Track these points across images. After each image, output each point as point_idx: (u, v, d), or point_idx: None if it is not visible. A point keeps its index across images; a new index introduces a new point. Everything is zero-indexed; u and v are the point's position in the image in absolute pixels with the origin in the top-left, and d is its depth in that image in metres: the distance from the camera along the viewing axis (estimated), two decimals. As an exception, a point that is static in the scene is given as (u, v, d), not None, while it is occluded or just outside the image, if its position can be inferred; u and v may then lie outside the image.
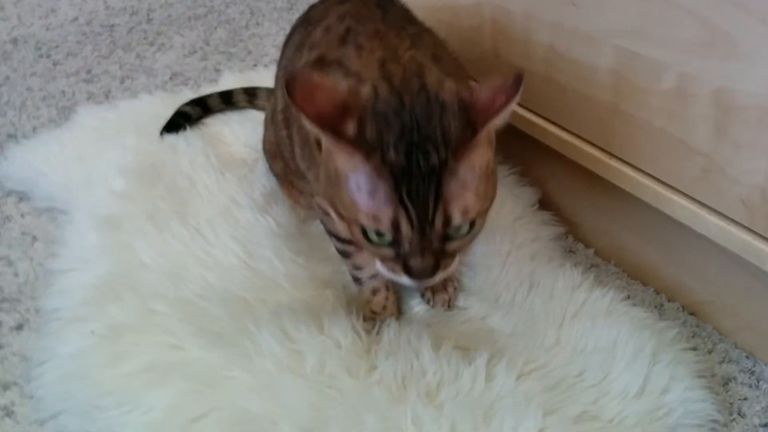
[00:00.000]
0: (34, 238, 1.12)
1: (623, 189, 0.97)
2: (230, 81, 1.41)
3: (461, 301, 0.97)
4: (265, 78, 1.39)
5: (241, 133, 1.25)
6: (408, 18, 0.86)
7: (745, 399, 0.90)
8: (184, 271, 0.96)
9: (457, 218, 0.64)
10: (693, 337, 0.97)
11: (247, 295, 0.93)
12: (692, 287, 1.02)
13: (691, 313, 1.02)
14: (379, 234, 0.65)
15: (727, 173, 0.84)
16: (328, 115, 0.61)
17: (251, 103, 1.33)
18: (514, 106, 0.63)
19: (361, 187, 0.63)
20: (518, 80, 0.62)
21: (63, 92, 1.49)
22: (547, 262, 1.00)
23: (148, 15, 1.83)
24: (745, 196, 0.83)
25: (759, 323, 0.95)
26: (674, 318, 0.99)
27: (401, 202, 0.62)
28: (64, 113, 1.41)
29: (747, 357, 0.96)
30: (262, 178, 1.13)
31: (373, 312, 0.92)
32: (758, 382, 0.92)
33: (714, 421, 0.84)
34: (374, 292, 0.91)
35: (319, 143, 0.70)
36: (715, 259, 0.97)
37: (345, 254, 0.88)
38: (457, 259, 0.70)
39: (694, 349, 0.93)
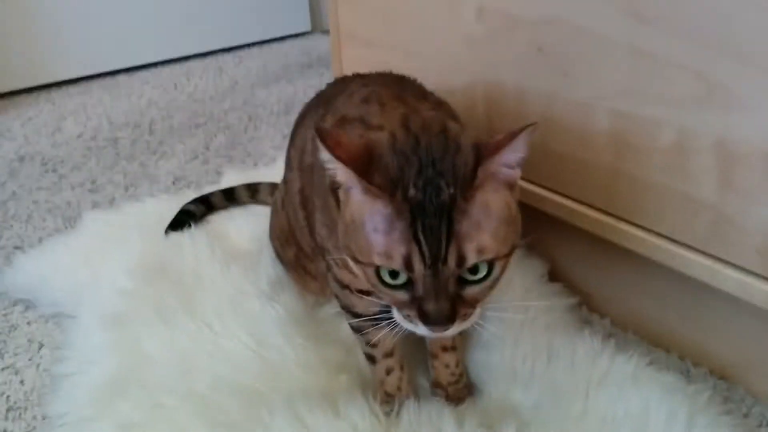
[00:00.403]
0: (41, 345, 1.09)
1: (634, 252, 0.95)
2: (232, 179, 1.43)
3: (479, 377, 0.93)
4: (265, 175, 1.42)
5: (245, 227, 1.26)
6: (425, 91, 0.90)
7: (789, 462, 0.85)
8: (192, 364, 0.93)
9: (471, 257, 0.62)
10: (725, 402, 0.93)
11: (258, 384, 0.90)
12: (718, 349, 0.99)
13: (721, 378, 0.98)
14: (393, 276, 0.64)
15: (737, 223, 0.83)
16: (358, 160, 0.63)
17: (253, 198, 1.34)
18: (519, 151, 0.64)
19: (378, 228, 0.63)
20: (527, 126, 0.63)
21: (68, 203, 1.51)
22: (564, 331, 0.98)
23: (150, 127, 1.89)
24: (759, 245, 0.82)
25: (792, 380, 0.91)
26: (703, 383, 0.95)
27: (415, 237, 0.61)
28: (70, 223, 1.42)
29: (785, 418, 0.91)
30: (268, 268, 1.12)
31: (388, 394, 0.89)
32: (800, 444, 0.87)
33: (760, 485, 0.79)
34: (388, 371, 0.88)
35: (337, 200, 0.71)
36: (737, 317, 0.94)
37: (359, 330, 0.86)
38: (476, 312, 0.67)
39: (729, 413, 0.89)
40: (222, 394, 0.87)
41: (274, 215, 1.08)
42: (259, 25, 2.55)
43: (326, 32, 1.54)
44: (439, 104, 0.82)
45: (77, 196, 1.53)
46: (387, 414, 0.85)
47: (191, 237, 1.19)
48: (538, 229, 1.14)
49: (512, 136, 0.62)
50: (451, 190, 0.62)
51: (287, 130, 1.81)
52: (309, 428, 0.81)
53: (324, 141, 0.63)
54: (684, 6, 0.79)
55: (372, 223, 0.63)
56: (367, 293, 0.77)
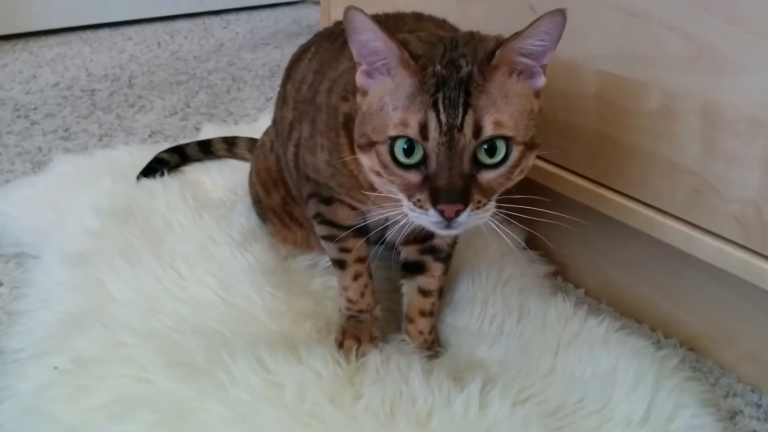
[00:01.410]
0: (0, 283, 1.06)
1: (613, 221, 0.94)
2: (211, 133, 1.40)
3: (448, 340, 0.92)
4: (245, 131, 1.39)
5: (220, 179, 1.22)
6: (441, 21, 0.89)
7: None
8: (156, 304, 0.90)
9: (488, 127, 0.63)
10: (694, 372, 0.93)
11: (222, 327, 0.87)
12: (689, 321, 0.98)
13: (690, 349, 0.98)
14: (407, 154, 0.64)
15: (718, 190, 0.82)
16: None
17: (230, 152, 1.31)
18: (537, 38, 0.65)
19: (398, 105, 0.65)
20: (553, 11, 0.63)
21: (39, 149, 1.47)
22: (537, 294, 0.97)
23: (129, 81, 1.85)
24: (739, 213, 0.81)
25: (762, 354, 0.91)
26: (672, 351, 0.94)
27: (434, 106, 0.63)
28: (39, 167, 1.38)
29: (752, 390, 0.91)
30: (241, 218, 1.09)
31: (350, 301, 0.89)
32: (766, 416, 0.87)
33: (724, 451, 0.78)
34: (356, 276, 0.88)
35: (350, 138, 0.73)
36: (710, 290, 0.94)
37: (334, 239, 0.86)
38: (490, 206, 0.67)
39: (696, 380, 0.88)
40: (184, 335, 0.85)
41: (260, 159, 1.06)
42: (249, -10, 2.51)
43: (318, 3, 1.52)
44: (457, 31, 0.82)
45: (48, 143, 1.49)
46: (348, 350, 0.85)
47: (163, 184, 1.16)
48: (517, 194, 1.14)
49: (533, 22, 0.63)
50: (469, 67, 0.64)
51: (271, 94, 1.80)
52: (271, 373, 0.79)
53: (362, 13, 0.64)
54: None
55: (393, 101, 0.65)
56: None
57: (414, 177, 0.65)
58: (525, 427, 0.72)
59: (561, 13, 0.63)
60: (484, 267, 1.01)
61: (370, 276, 0.90)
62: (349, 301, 0.89)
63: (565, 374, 0.82)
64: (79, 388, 0.78)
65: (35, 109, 1.66)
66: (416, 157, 0.64)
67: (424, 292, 0.89)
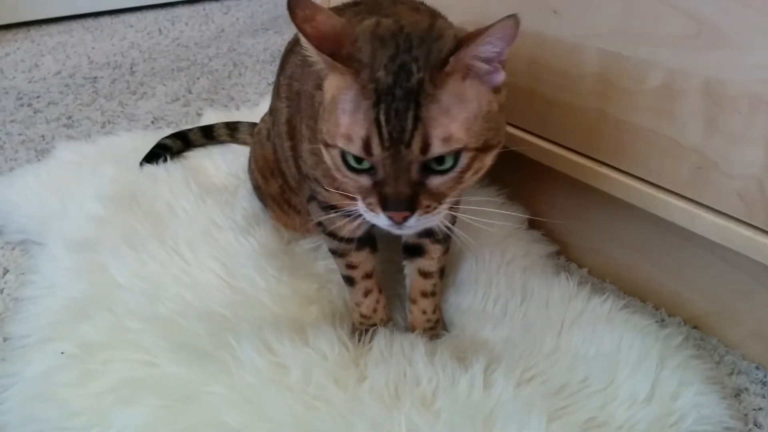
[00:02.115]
0: (6, 270, 1.07)
1: (616, 201, 0.94)
2: (212, 118, 1.39)
3: (452, 320, 0.93)
4: (247, 116, 1.39)
5: (223, 164, 1.23)
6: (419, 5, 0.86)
7: (760, 409, 0.85)
8: (160, 289, 0.91)
9: (436, 144, 0.61)
10: (698, 349, 0.93)
11: (226, 311, 0.88)
12: (692, 299, 0.98)
13: (694, 327, 0.98)
14: (357, 159, 0.63)
15: (721, 168, 0.82)
16: (326, 38, 0.63)
17: (232, 137, 1.31)
18: (494, 45, 0.62)
19: (346, 108, 0.62)
20: (503, 19, 0.60)
21: (42, 136, 1.47)
22: (540, 274, 0.97)
23: (131, 68, 1.84)
24: (741, 190, 0.81)
25: (766, 331, 0.91)
26: (676, 329, 0.94)
27: (376, 120, 0.61)
28: (43, 155, 1.38)
29: (757, 368, 0.91)
30: (244, 203, 1.09)
31: (363, 316, 0.88)
32: (771, 392, 0.87)
33: (729, 428, 0.79)
34: (366, 293, 0.87)
35: None
36: (714, 267, 0.94)
37: (340, 254, 0.86)
38: (441, 208, 0.66)
39: (701, 358, 0.88)
40: (189, 319, 0.85)
41: (257, 147, 1.06)
42: (249, -24, 2.49)
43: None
44: (433, 15, 0.79)
45: (52, 130, 1.49)
46: (358, 342, 0.84)
47: (166, 169, 1.16)
48: (519, 178, 1.14)
49: (487, 28, 0.61)
50: (421, 75, 0.61)
51: (272, 78, 1.78)
52: (276, 355, 0.79)
53: (293, 14, 0.62)
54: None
55: (342, 103, 0.63)
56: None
57: (365, 181, 0.65)
58: (529, 406, 0.72)
59: (513, 18, 0.61)
60: (487, 247, 1.00)
61: (381, 291, 0.89)
62: (363, 316, 0.89)
63: (568, 353, 0.82)
64: (85, 373, 0.79)
65: (38, 97, 1.66)
66: (365, 164, 0.64)
67: (424, 274, 0.89)
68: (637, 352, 0.80)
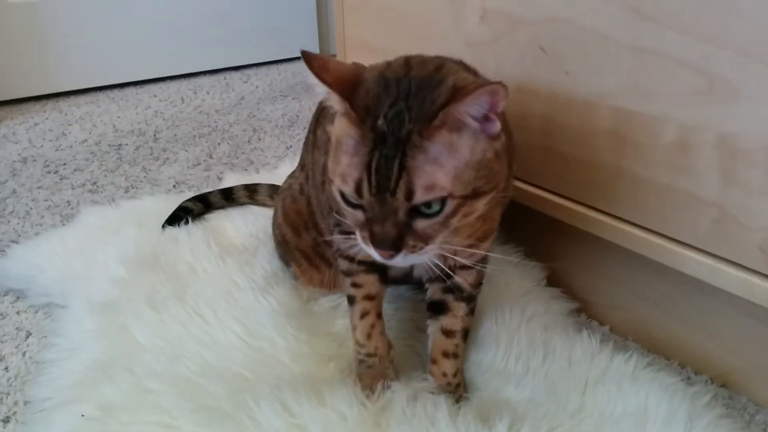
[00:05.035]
0: (29, 333, 1.07)
1: (636, 256, 0.94)
2: (233, 181, 1.42)
3: (473, 379, 0.91)
4: (266, 179, 1.41)
5: (243, 225, 1.24)
6: None
7: (794, 470, 0.82)
8: (181, 350, 0.91)
9: (419, 192, 0.64)
10: (727, 409, 0.90)
11: (246, 372, 0.87)
12: (719, 356, 0.96)
13: (722, 385, 0.96)
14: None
15: (740, 221, 0.82)
16: (342, 81, 0.68)
17: (252, 198, 1.33)
18: (480, 105, 0.64)
19: (348, 150, 0.66)
20: (490, 84, 0.64)
21: (68, 202, 1.50)
22: (562, 331, 0.96)
23: (154, 135, 1.90)
24: (763, 242, 0.80)
25: (796, 388, 0.89)
26: (704, 387, 0.92)
27: (368, 166, 0.64)
28: (68, 220, 1.41)
29: (789, 427, 0.88)
30: (264, 263, 1.10)
31: (358, 344, 0.88)
32: (805, 452, 0.84)
33: (763, 491, 0.76)
34: (362, 314, 0.87)
35: None
36: (739, 322, 0.92)
37: (349, 273, 0.88)
38: (429, 249, 0.68)
39: (730, 417, 0.86)
40: (209, 380, 0.85)
41: (288, 202, 1.08)
42: (268, 47, 2.58)
43: (335, 55, 1.56)
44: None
45: (77, 196, 1.53)
46: (368, 391, 0.84)
47: (188, 231, 1.18)
48: (537, 234, 1.14)
49: (476, 88, 0.63)
50: (410, 125, 0.64)
51: (291, 142, 1.84)
52: (295, 416, 0.79)
53: (310, 64, 0.67)
54: (684, 0, 0.79)
55: (345, 145, 0.67)
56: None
57: (360, 215, 0.68)
58: (555, 466, 0.71)
59: (500, 85, 0.64)
60: (507, 305, 1.00)
61: (379, 317, 0.89)
62: (357, 343, 0.88)
63: (594, 412, 0.80)
64: (106, 435, 0.79)
65: (64, 164, 1.70)
66: (359, 201, 0.67)
67: (447, 333, 0.88)
68: (665, 411, 0.79)
